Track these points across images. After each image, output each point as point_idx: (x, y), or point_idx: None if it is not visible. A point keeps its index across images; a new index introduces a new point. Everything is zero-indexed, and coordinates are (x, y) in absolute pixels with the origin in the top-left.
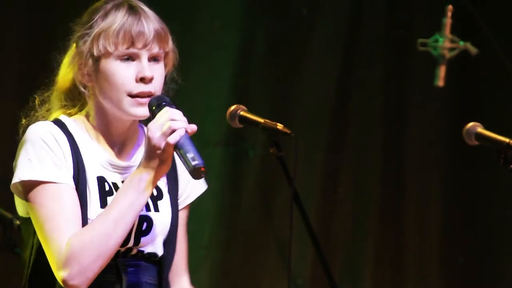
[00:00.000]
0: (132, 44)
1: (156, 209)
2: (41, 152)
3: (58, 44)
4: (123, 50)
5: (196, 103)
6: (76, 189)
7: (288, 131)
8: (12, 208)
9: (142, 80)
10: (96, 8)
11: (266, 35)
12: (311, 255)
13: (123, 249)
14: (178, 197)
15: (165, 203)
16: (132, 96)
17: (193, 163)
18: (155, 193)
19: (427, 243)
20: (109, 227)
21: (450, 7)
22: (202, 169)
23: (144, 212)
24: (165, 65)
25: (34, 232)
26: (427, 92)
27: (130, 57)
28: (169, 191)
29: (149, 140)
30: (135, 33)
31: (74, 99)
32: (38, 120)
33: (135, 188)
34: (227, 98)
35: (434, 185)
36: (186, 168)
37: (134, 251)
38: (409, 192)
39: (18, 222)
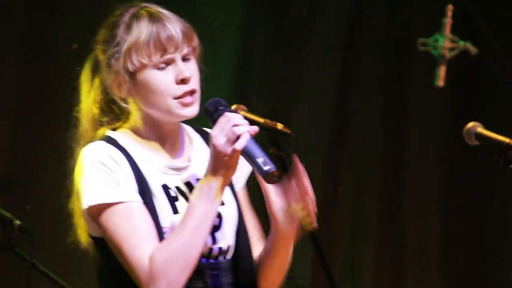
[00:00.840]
0: (165, 50)
1: (221, 203)
2: (102, 174)
3: (58, 45)
4: (157, 59)
5: None
6: (144, 202)
7: (288, 131)
8: (12, 208)
9: (183, 81)
10: (114, 22)
11: (266, 35)
12: (311, 255)
13: (206, 250)
14: (234, 184)
15: (227, 195)
16: (177, 98)
17: (265, 168)
18: None
19: (427, 243)
20: (189, 238)
21: (450, 7)
22: (275, 173)
23: None
24: (195, 60)
25: (111, 253)
26: (427, 92)
27: (165, 63)
28: None
29: (214, 147)
30: (165, 39)
31: (116, 112)
32: (83, 140)
33: (206, 197)
34: (227, 98)
35: (434, 185)
36: (258, 173)
37: (215, 252)
38: (409, 192)
39: (18, 222)
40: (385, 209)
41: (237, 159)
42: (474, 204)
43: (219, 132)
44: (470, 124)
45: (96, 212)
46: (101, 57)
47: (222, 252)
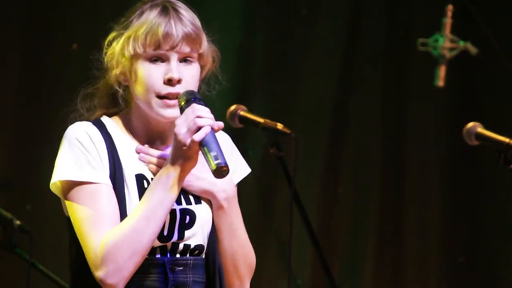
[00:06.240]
0: (159, 46)
1: (198, 202)
2: (77, 152)
3: (58, 45)
4: (151, 52)
5: None
6: (114, 188)
7: (288, 131)
8: (12, 208)
9: (169, 81)
10: (136, 8)
11: (266, 35)
12: (311, 255)
13: (169, 245)
14: None
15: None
16: (160, 97)
17: (215, 162)
18: None
19: (427, 243)
20: (139, 224)
21: (450, 7)
22: (224, 168)
23: (185, 206)
24: (202, 66)
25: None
26: (427, 92)
27: (160, 58)
28: None
29: (175, 136)
30: (162, 35)
31: (116, 99)
32: (82, 116)
33: (163, 185)
34: (227, 98)
35: (434, 185)
36: (208, 166)
37: (181, 247)
38: (409, 192)
39: (18, 222)
40: (385, 209)
41: (196, 151)
42: (474, 204)
43: (182, 122)
44: (470, 124)
45: (65, 188)
46: (110, 36)
47: (190, 250)
